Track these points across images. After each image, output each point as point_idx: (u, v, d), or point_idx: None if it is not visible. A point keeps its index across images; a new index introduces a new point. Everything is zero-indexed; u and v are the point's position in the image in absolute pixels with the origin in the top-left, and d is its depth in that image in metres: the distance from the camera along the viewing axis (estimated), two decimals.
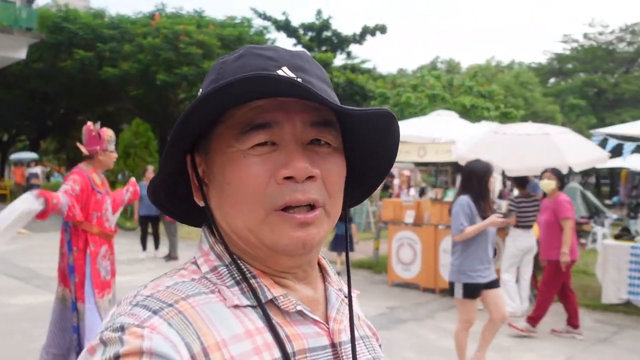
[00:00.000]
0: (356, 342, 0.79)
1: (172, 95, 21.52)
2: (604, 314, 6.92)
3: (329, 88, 0.76)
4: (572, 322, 5.97)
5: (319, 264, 0.85)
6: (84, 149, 3.92)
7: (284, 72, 0.70)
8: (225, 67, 0.73)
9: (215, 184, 0.74)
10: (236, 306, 0.70)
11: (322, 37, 25.93)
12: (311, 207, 0.71)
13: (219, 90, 0.64)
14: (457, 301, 4.50)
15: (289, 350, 0.69)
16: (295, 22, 25.67)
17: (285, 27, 25.55)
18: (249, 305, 0.71)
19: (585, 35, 33.02)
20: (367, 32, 25.72)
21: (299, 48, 26.70)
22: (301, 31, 25.87)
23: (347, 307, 0.81)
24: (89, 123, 3.92)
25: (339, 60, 26.52)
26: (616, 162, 17.96)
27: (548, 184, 5.75)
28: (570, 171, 7.78)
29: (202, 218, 0.82)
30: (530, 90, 25.92)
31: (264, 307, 0.70)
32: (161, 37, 19.45)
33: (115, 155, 4.06)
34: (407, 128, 9.01)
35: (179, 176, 0.80)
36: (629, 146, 7.47)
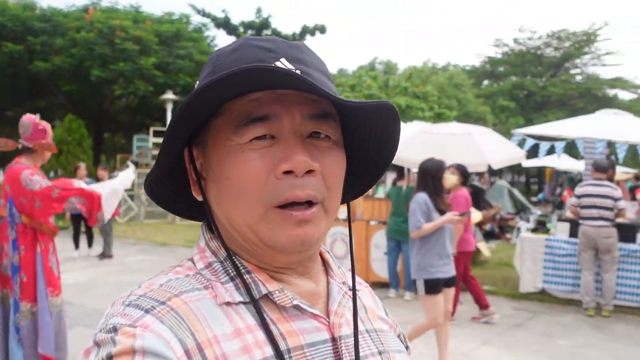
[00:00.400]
0: (360, 335, 0.78)
1: (107, 91, 20.98)
2: (521, 302, 7.42)
3: (328, 80, 0.75)
4: (481, 304, 6.39)
5: (322, 258, 0.84)
6: (27, 143, 3.74)
7: (283, 63, 0.69)
8: (222, 59, 0.72)
9: (213, 178, 0.73)
10: (227, 303, 0.69)
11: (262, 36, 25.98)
12: (309, 203, 0.70)
13: (218, 82, 0.63)
14: (422, 298, 4.59)
15: (283, 347, 0.68)
16: (235, 20, 25.57)
17: (224, 24, 25.37)
18: (242, 302, 0.70)
19: (516, 40, 34.50)
20: (306, 31, 25.90)
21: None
22: (241, 29, 25.79)
23: (350, 300, 0.80)
24: (33, 116, 3.79)
25: None
26: (542, 162, 19.00)
27: (450, 179, 5.77)
28: (501, 170, 8.27)
29: (202, 213, 0.81)
30: (463, 92, 26.84)
31: (256, 303, 0.69)
32: (95, 31, 18.95)
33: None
34: None
35: (176, 170, 0.79)
36: (544, 146, 8.01)
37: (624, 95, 35.29)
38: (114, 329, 0.62)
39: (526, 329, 6.27)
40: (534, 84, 33.30)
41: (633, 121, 8.47)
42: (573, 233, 7.25)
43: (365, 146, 0.82)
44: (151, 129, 17.82)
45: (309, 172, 0.68)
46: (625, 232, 7.00)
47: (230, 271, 0.72)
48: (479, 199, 10.97)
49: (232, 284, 0.71)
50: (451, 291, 4.69)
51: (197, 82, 0.76)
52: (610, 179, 6.87)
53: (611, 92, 34.34)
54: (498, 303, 7.14)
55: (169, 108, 18.28)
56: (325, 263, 0.84)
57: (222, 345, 0.65)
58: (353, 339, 0.75)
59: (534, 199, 22.34)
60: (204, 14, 24.83)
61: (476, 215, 7.85)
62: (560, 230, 7.58)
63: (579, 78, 35.08)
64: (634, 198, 10.87)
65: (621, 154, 7.63)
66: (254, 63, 0.67)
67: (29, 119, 3.75)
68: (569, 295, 7.33)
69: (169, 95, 18.24)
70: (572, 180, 18.77)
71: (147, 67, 18.91)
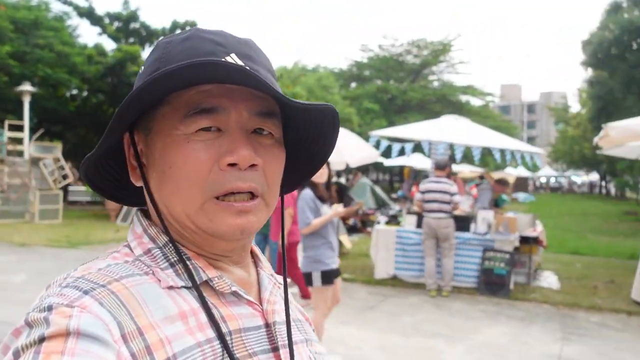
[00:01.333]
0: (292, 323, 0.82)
1: None
2: (376, 287, 8.19)
3: (273, 78, 0.76)
4: (304, 294, 6.72)
5: (251, 251, 0.86)
6: None
7: (232, 59, 0.70)
8: (171, 47, 0.72)
9: (155, 165, 0.73)
10: (170, 287, 0.70)
11: (129, 29, 25.08)
12: (251, 195, 0.71)
13: (170, 73, 0.64)
14: (314, 290, 4.70)
15: (224, 329, 0.70)
16: (100, 10, 24.44)
17: (88, 14, 24.15)
18: (183, 287, 0.71)
19: (380, 47, 36.57)
20: (177, 26, 25.40)
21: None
22: (107, 20, 24.73)
23: (280, 290, 0.84)
24: None
25: (147, 53, 25.88)
26: (402, 161, 20.45)
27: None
28: (367, 168, 9.01)
29: (131, 198, 0.85)
30: (331, 94, 27.93)
31: (198, 287, 0.70)
32: None
33: None
34: None
35: (110, 154, 0.79)
36: (396, 147, 8.91)
37: (475, 101, 38.67)
38: (49, 308, 0.60)
39: (378, 310, 7.01)
40: (396, 88, 35.25)
41: (470, 126, 9.68)
42: (419, 224, 8.18)
43: (302, 143, 0.85)
44: (6, 123, 16.59)
45: (252, 166, 0.70)
46: (461, 223, 8.07)
47: (170, 257, 0.73)
48: (343, 195, 11.75)
49: (171, 270, 0.72)
50: (339, 280, 4.90)
51: (142, 66, 0.77)
52: (448, 176, 7.86)
53: (464, 98, 37.40)
54: (355, 289, 7.88)
55: (27, 100, 17.17)
56: (253, 255, 0.87)
57: (165, 328, 0.65)
58: (285, 325, 0.78)
59: (394, 195, 23.97)
60: (65, 1, 23.44)
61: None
62: (408, 222, 8.51)
63: (435, 84, 37.94)
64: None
65: (459, 155, 8.73)
66: (204, 56, 0.68)
67: None
68: (416, 279, 8.25)
69: (26, 87, 17.13)
70: (426, 177, 20.44)
71: (1, 56, 17.60)
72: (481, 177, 16.13)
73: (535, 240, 8.38)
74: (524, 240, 8.23)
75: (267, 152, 0.73)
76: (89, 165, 0.76)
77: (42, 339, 0.56)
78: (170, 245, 0.73)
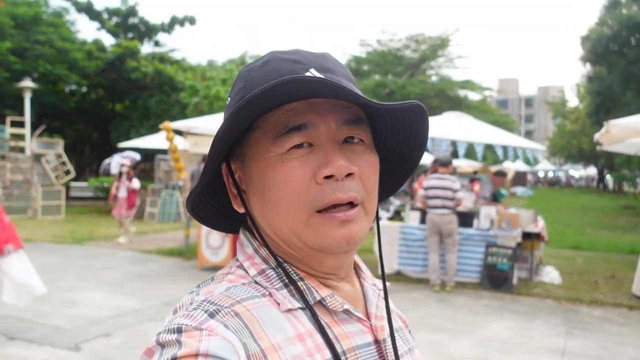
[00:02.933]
0: (396, 334, 0.83)
1: None
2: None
3: (354, 86, 0.77)
4: None
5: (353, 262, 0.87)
6: None
7: (312, 73, 0.71)
8: (253, 74, 0.74)
9: (254, 190, 0.75)
10: (288, 310, 0.71)
11: (128, 24, 25.07)
12: (351, 205, 0.71)
13: (256, 96, 0.65)
14: None
15: (339, 349, 0.71)
16: (99, 6, 24.47)
17: (87, 9, 24.16)
18: (299, 308, 0.72)
19: (379, 41, 36.49)
20: (175, 22, 25.45)
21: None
22: (105, 15, 24.71)
23: (383, 301, 0.83)
24: None
25: (147, 48, 25.91)
26: None
27: None
28: None
29: (235, 224, 0.86)
30: None
31: (312, 308, 0.71)
32: None
33: None
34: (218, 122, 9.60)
35: (211, 185, 0.81)
36: None
37: (473, 96, 38.67)
38: (179, 330, 0.62)
39: None
40: (394, 83, 35.12)
41: (472, 123, 9.76)
42: (422, 220, 8.28)
43: (395, 147, 0.85)
44: (8, 119, 16.60)
45: (349, 175, 0.70)
46: (464, 219, 8.17)
47: (284, 278, 0.74)
48: None
49: (286, 290, 0.73)
50: None
51: (229, 98, 0.79)
52: (452, 173, 7.95)
53: (462, 92, 37.37)
54: None
55: (27, 96, 17.18)
56: (355, 266, 0.86)
57: (285, 350, 0.66)
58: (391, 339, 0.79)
59: None
60: None
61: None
62: (412, 218, 8.59)
63: (434, 79, 37.83)
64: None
65: (461, 151, 8.81)
66: (285, 75, 0.69)
67: None
68: (420, 275, 8.35)
69: (27, 83, 17.14)
70: (426, 173, 20.52)
71: (2, 52, 17.59)
72: (475, 172, 16.18)
73: (537, 236, 8.48)
74: (526, 235, 8.33)
75: (361, 159, 0.73)
76: (195, 198, 0.79)
77: (174, 359, 0.59)
78: (284, 265, 0.74)
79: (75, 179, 20.36)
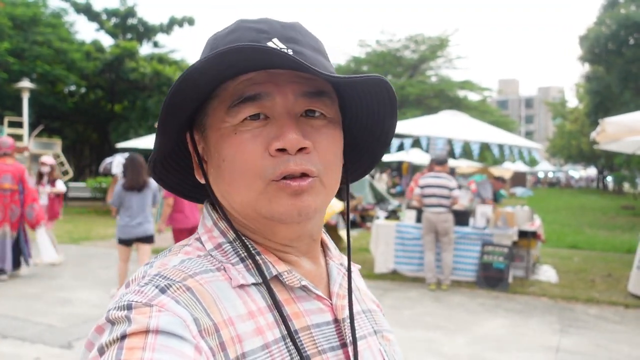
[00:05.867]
0: (358, 316, 0.82)
1: None
2: (376, 281, 8.27)
3: (323, 58, 0.75)
4: None
5: (321, 240, 0.84)
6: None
7: (274, 43, 0.69)
8: (218, 42, 0.73)
9: (212, 161, 0.74)
10: (241, 286, 0.70)
11: (127, 25, 25.08)
12: (305, 176, 0.70)
13: (208, 60, 0.63)
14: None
15: (292, 328, 0.70)
16: (97, 7, 24.49)
17: (85, 10, 24.16)
18: (253, 284, 0.71)
19: (378, 42, 36.53)
20: (174, 22, 25.44)
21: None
22: (104, 16, 24.72)
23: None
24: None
25: (145, 49, 25.93)
26: (401, 156, 20.50)
27: None
28: None
29: (205, 195, 0.85)
30: None
31: (268, 285, 0.70)
32: None
33: None
34: None
35: (180, 153, 0.82)
36: (395, 142, 8.97)
37: (473, 96, 38.69)
38: (129, 307, 0.62)
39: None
40: (394, 84, 35.17)
41: (468, 121, 9.75)
42: (418, 219, 8.26)
43: (363, 126, 0.83)
44: (6, 120, 16.61)
45: (302, 149, 0.69)
46: (460, 217, 8.15)
47: (240, 252, 0.73)
48: (341, 191, 11.81)
49: (242, 265, 0.72)
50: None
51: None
52: (452, 172, 7.94)
53: (461, 93, 37.40)
54: None
55: (25, 97, 17.19)
56: (322, 244, 0.85)
57: (236, 326, 0.66)
58: (357, 319, 0.79)
59: (392, 190, 24.08)
60: None
61: (338, 205, 8.60)
62: (408, 217, 8.58)
63: (433, 79, 37.85)
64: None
65: (457, 150, 8.80)
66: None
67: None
68: (416, 273, 8.33)
69: (25, 84, 17.15)
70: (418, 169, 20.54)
71: (0, 53, 17.61)
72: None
73: (534, 235, 8.47)
74: (523, 234, 8.31)
75: (319, 134, 0.71)
76: (156, 163, 0.79)
77: (124, 336, 0.59)
78: (242, 239, 0.73)
79: (74, 180, 20.37)
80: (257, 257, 0.73)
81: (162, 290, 0.64)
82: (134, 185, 6.53)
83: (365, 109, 0.80)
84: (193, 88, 0.68)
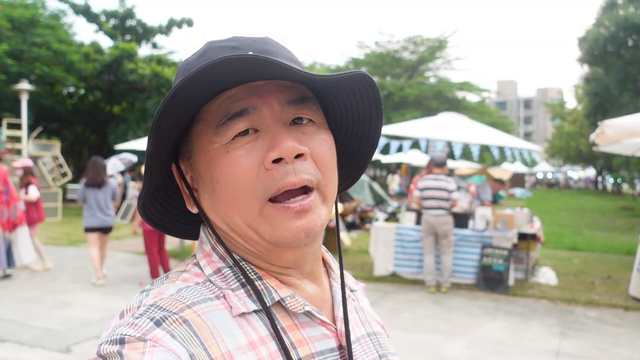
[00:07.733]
0: (363, 340, 0.79)
1: None
2: (375, 283, 8.26)
3: (298, 67, 0.72)
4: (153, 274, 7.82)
5: (323, 259, 0.82)
6: None
7: None
8: (191, 66, 0.71)
9: (204, 185, 0.71)
10: (242, 314, 0.67)
11: (125, 26, 25.07)
12: (305, 190, 0.68)
13: (185, 84, 0.61)
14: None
15: (295, 357, 0.67)
16: (96, 8, 24.47)
17: (84, 11, 24.14)
18: (255, 311, 0.68)
19: (377, 43, 36.54)
20: (173, 24, 25.44)
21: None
22: (103, 17, 24.71)
23: (354, 303, 0.81)
24: None
25: (144, 50, 25.92)
26: (399, 158, 20.50)
27: None
28: None
29: (193, 228, 0.83)
30: None
31: (269, 313, 0.67)
32: None
33: None
34: None
35: (169, 189, 0.79)
36: (394, 144, 8.97)
37: (471, 97, 38.71)
38: (121, 341, 0.59)
39: (378, 306, 7.08)
40: (393, 85, 35.18)
41: (467, 123, 9.74)
42: (418, 221, 8.25)
43: (348, 126, 0.80)
44: (4, 121, 16.57)
45: (299, 157, 0.67)
46: (459, 220, 8.14)
47: (241, 277, 0.70)
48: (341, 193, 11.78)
49: (243, 290, 0.69)
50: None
51: None
52: (451, 174, 7.92)
53: (460, 94, 37.42)
54: None
55: (24, 99, 17.14)
56: (325, 264, 0.82)
57: (237, 359, 0.63)
58: (361, 343, 0.77)
59: (391, 192, 24.08)
60: None
61: (338, 207, 8.59)
62: (407, 219, 8.57)
63: (432, 80, 37.87)
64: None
65: (457, 152, 8.80)
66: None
67: None
68: (415, 276, 8.32)
69: (24, 85, 17.10)
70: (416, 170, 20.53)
71: None
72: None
73: (533, 237, 8.45)
74: (522, 236, 8.30)
75: (312, 139, 0.69)
76: (145, 201, 0.76)
77: None
78: (242, 264, 0.71)
79: (73, 181, 20.33)
80: (258, 283, 0.70)
81: (157, 323, 0.61)
82: (94, 183, 7.70)
83: (350, 110, 0.78)
84: (175, 115, 0.65)
